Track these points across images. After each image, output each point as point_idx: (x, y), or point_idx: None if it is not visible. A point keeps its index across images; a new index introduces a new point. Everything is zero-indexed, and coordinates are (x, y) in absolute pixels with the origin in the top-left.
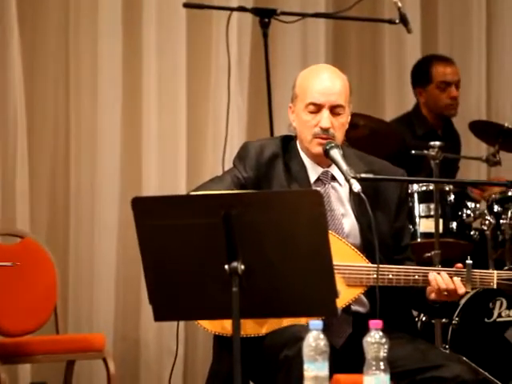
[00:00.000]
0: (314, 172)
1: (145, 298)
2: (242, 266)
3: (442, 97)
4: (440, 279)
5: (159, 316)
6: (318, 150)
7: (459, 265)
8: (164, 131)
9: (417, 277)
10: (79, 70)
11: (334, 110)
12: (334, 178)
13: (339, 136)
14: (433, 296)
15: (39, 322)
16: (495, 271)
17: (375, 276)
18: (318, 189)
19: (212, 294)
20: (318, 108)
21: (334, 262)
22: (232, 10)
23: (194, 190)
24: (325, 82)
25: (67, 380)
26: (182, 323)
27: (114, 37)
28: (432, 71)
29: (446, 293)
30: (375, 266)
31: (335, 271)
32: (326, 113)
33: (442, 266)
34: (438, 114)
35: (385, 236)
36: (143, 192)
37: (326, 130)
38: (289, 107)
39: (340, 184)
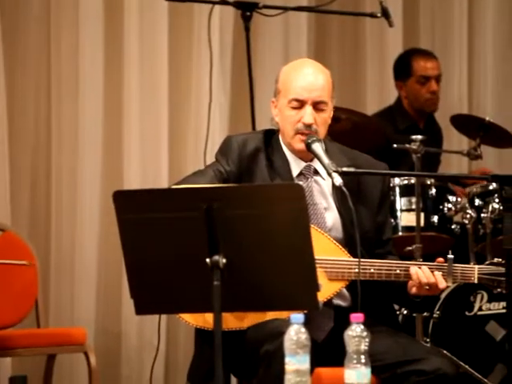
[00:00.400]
0: (296, 166)
1: (126, 291)
2: (224, 260)
3: (422, 91)
4: (421, 273)
5: (140, 310)
6: (301, 146)
7: (441, 259)
8: (146, 125)
9: (398, 271)
10: (60, 63)
11: (317, 105)
12: (316, 172)
13: (322, 131)
14: (414, 290)
15: (20, 315)
16: (476, 266)
17: (357, 270)
18: (301, 183)
19: (193, 288)
20: (300, 104)
21: (316, 257)
22: (214, 3)
23: (177, 184)
24: (308, 78)
25: (48, 374)
26: (163, 317)
27: (95, 31)
28: (412, 65)
29: (427, 287)
30: (357, 260)
31: (317, 265)
32: (308, 109)
33: (423, 260)
34: (419, 108)
35: (367, 230)
36: (125, 186)
37: (308, 126)
38: (271, 102)
39: (323, 178)
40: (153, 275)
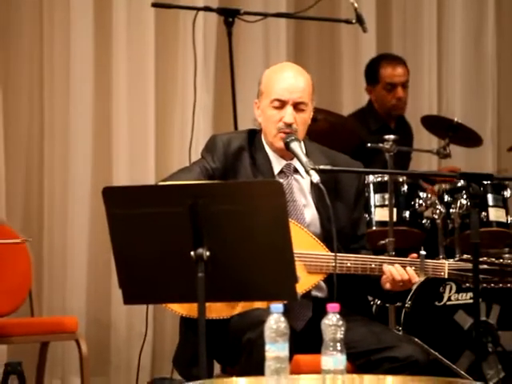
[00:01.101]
0: (277, 164)
1: (115, 282)
2: (208, 253)
3: (388, 97)
4: (395, 271)
5: (128, 299)
6: (281, 144)
7: (414, 255)
8: (133, 125)
9: (373, 265)
10: (52, 67)
11: (298, 106)
12: (296, 171)
13: (301, 131)
14: (388, 286)
15: (15, 305)
16: (446, 262)
17: (334, 264)
18: (281, 180)
19: (179, 279)
20: (282, 104)
21: (296, 250)
22: (198, 9)
23: (164, 180)
24: (289, 80)
25: (41, 360)
26: (151, 307)
27: (85, 35)
28: (380, 72)
29: (401, 283)
30: (334, 254)
31: (297, 259)
32: (289, 109)
33: (396, 253)
34: (386, 112)
35: (343, 226)
36: (113, 182)
37: (289, 125)
38: (254, 103)
39: (302, 176)
40: (140, 267)
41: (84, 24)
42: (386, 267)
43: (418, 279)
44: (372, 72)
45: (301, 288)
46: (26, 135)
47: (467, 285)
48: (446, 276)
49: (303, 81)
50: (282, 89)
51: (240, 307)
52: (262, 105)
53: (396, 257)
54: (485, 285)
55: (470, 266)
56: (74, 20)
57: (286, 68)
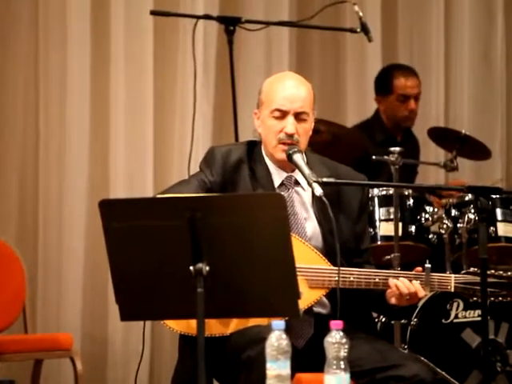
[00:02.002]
0: (278, 177)
1: (112, 298)
2: (207, 268)
3: (401, 108)
4: (401, 284)
5: (125, 316)
6: (282, 156)
7: (419, 268)
8: (131, 135)
9: (377, 280)
10: (49, 74)
11: (299, 116)
12: (297, 183)
13: (303, 141)
14: (393, 301)
15: (8, 321)
16: (453, 275)
17: (337, 278)
18: (282, 193)
19: (177, 295)
20: (283, 114)
21: (297, 265)
22: (198, 17)
23: (162, 193)
24: (290, 89)
25: (35, 378)
26: (148, 324)
27: (82, 43)
28: (393, 82)
29: (407, 297)
30: (337, 268)
31: (298, 273)
32: (290, 119)
33: (401, 269)
34: (395, 123)
35: (346, 240)
36: (111, 194)
37: (290, 136)
38: (254, 113)
39: (303, 189)
40: (138, 282)
41: (81, 33)
42: (392, 281)
43: (424, 293)
44: (384, 82)
45: (302, 304)
46: (21, 147)
47: (474, 299)
48: (453, 290)
49: (304, 90)
50: (283, 98)
51: (239, 324)
52: (262, 115)
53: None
54: (492, 298)
55: (477, 279)
56: (71, 29)
57: (287, 77)
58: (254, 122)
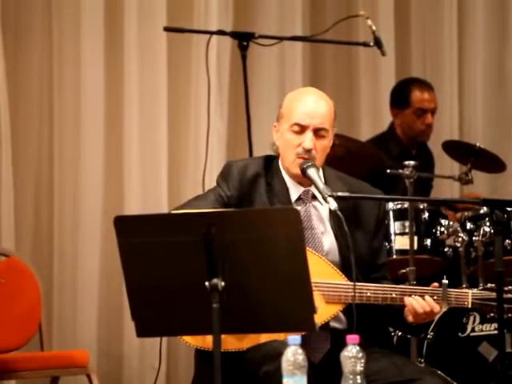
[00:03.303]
0: (295, 191)
1: (127, 314)
2: (222, 283)
3: (418, 123)
4: (415, 303)
5: (141, 332)
6: (297, 171)
7: (435, 284)
8: (146, 151)
9: (394, 295)
10: (63, 93)
11: (318, 132)
12: (314, 197)
13: (320, 158)
14: (411, 319)
15: (24, 338)
16: (470, 291)
17: (353, 293)
18: (299, 208)
19: (193, 310)
20: (302, 129)
21: (314, 280)
22: (211, 33)
23: (178, 208)
24: (311, 105)
25: None
26: (164, 339)
27: (96, 61)
28: (411, 96)
29: (424, 316)
30: (353, 283)
31: (315, 288)
32: (309, 134)
33: (417, 282)
34: (411, 137)
35: (363, 255)
36: (125, 211)
37: (308, 151)
38: (273, 126)
39: (321, 203)
40: (153, 298)
41: (95, 50)
42: (408, 300)
43: (438, 309)
44: (401, 95)
45: (319, 319)
46: (35, 162)
47: (491, 315)
48: (470, 306)
49: (325, 106)
50: (303, 113)
51: (255, 339)
52: (281, 128)
53: (417, 286)
54: (510, 315)
55: (494, 295)
56: (85, 46)
57: (309, 92)
58: (273, 135)
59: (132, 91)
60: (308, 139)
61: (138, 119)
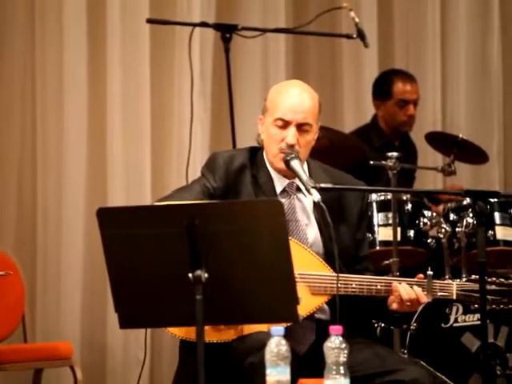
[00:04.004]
0: (279, 183)
1: (111, 306)
2: (206, 275)
3: (400, 114)
4: (402, 290)
5: (125, 323)
6: (281, 165)
7: (420, 275)
8: (129, 142)
9: (379, 286)
10: (45, 84)
11: (301, 127)
12: (299, 190)
13: (304, 152)
14: (395, 306)
15: (8, 330)
16: (454, 282)
17: (339, 285)
18: (284, 200)
19: (176, 302)
20: (285, 124)
21: (300, 271)
22: (194, 25)
23: (163, 199)
24: (294, 99)
25: None
26: (148, 330)
27: (79, 53)
28: (393, 88)
29: (408, 303)
30: (338, 275)
31: (300, 280)
32: (292, 130)
33: (400, 273)
34: (394, 128)
35: (347, 247)
36: (108, 203)
37: (291, 147)
38: (259, 119)
39: (305, 195)
40: (137, 290)
41: (77, 42)
42: (395, 285)
43: (426, 300)
44: (383, 87)
45: (304, 310)
46: (18, 157)
47: (476, 306)
48: (455, 297)
49: (309, 101)
50: (287, 108)
51: (239, 330)
52: (265, 122)
53: (401, 277)
54: (494, 306)
55: (478, 286)
56: (67, 39)
57: (293, 86)
58: (258, 128)
59: (115, 84)
60: (291, 134)
61: (120, 112)
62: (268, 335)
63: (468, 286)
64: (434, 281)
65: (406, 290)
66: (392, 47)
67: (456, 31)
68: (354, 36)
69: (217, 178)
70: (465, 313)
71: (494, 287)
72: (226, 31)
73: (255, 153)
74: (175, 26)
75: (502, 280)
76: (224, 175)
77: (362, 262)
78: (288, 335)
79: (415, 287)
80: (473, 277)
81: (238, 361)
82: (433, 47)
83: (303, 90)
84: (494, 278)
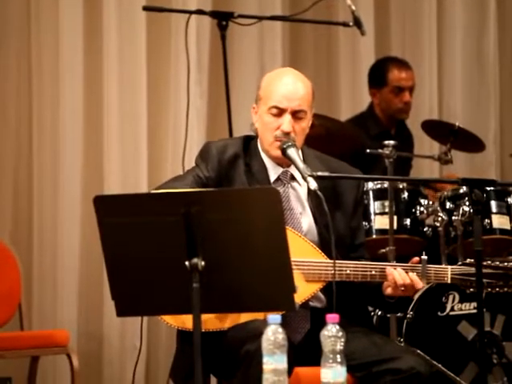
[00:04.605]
0: (274, 172)
1: (107, 294)
2: (203, 263)
3: (395, 101)
4: (397, 275)
5: (121, 311)
6: (277, 153)
7: (415, 259)
8: (125, 131)
9: (374, 272)
10: (41, 72)
11: (296, 114)
12: (293, 178)
13: (299, 140)
14: (389, 291)
15: (4, 318)
16: (449, 266)
17: (333, 271)
18: (278, 188)
19: (173, 290)
20: (280, 111)
21: (294, 258)
22: (190, 13)
23: (156, 189)
24: (289, 87)
25: (32, 375)
26: (144, 319)
27: (75, 41)
28: (388, 75)
29: (402, 288)
30: (333, 261)
31: (295, 267)
32: (287, 117)
33: (396, 262)
34: (390, 115)
35: (342, 235)
36: (105, 191)
37: (286, 134)
38: (252, 108)
39: (299, 184)
40: (133, 278)
41: (73, 30)
42: (389, 271)
43: (420, 285)
44: (379, 74)
45: (299, 297)
46: (14, 145)
47: (471, 290)
48: (450, 281)
49: (303, 88)
50: (281, 96)
51: (236, 318)
52: (259, 110)
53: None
54: (489, 289)
55: (473, 270)
56: (63, 26)
57: (286, 74)
58: (252, 117)
59: (111, 72)
60: (286, 122)
61: (117, 101)
62: (264, 323)
63: (463, 270)
64: (429, 265)
65: (401, 275)
66: (388, 35)
67: (452, 19)
68: (351, 24)
69: (210, 168)
70: (461, 301)
71: (489, 270)
72: (223, 19)
73: (249, 142)
74: (171, 14)
75: (497, 263)
76: (217, 165)
77: (358, 249)
78: (283, 324)
79: (411, 273)
80: (467, 260)
81: (235, 349)
82: (429, 35)
83: (297, 78)
84: (489, 262)
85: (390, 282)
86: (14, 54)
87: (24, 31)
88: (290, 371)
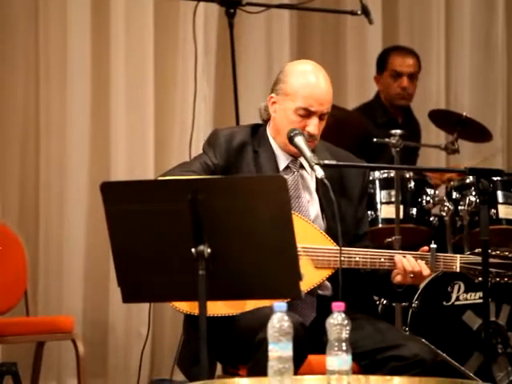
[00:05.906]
0: (282, 160)
1: (113, 281)
2: (209, 250)
3: (393, 85)
4: (406, 262)
5: (127, 298)
6: (295, 150)
7: (424, 248)
8: (132, 118)
9: (383, 259)
10: (49, 59)
11: (322, 116)
12: (302, 167)
13: (319, 138)
14: (398, 279)
15: (10, 304)
16: (458, 255)
17: (343, 258)
18: (287, 176)
19: (179, 277)
20: (308, 113)
21: (304, 245)
22: (198, 0)
23: (163, 175)
24: (319, 90)
25: (37, 361)
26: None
27: (82, 26)
28: (388, 60)
29: (411, 275)
30: (342, 248)
31: (304, 253)
32: (315, 120)
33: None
34: (390, 101)
35: (348, 224)
36: (112, 177)
37: (312, 136)
38: (270, 97)
39: (308, 172)
40: (139, 264)
41: (81, 19)
42: (398, 258)
43: (429, 272)
44: (381, 60)
45: (307, 284)
46: (22, 133)
47: (479, 279)
48: (458, 270)
49: (330, 89)
50: (313, 99)
51: (244, 305)
52: (283, 105)
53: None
54: (498, 279)
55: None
56: (71, 12)
57: (313, 73)
58: (268, 106)
59: (119, 58)
60: (313, 125)
61: (124, 86)
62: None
63: (472, 259)
64: (438, 254)
65: (410, 262)
66: (396, 24)
67: (460, 7)
68: (359, 12)
69: (217, 155)
70: (466, 291)
71: (497, 260)
72: (230, 6)
73: (257, 130)
74: (179, 1)
75: (506, 253)
76: (225, 152)
77: (362, 239)
78: (289, 312)
79: (419, 260)
80: (476, 250)
81: (247, 336)
82: (437, 24)
83: (324, 79)
84: (497, 252)
85: (400, 269)
86: (21, 36)
87: (31, 16)
88: (304, 357)
